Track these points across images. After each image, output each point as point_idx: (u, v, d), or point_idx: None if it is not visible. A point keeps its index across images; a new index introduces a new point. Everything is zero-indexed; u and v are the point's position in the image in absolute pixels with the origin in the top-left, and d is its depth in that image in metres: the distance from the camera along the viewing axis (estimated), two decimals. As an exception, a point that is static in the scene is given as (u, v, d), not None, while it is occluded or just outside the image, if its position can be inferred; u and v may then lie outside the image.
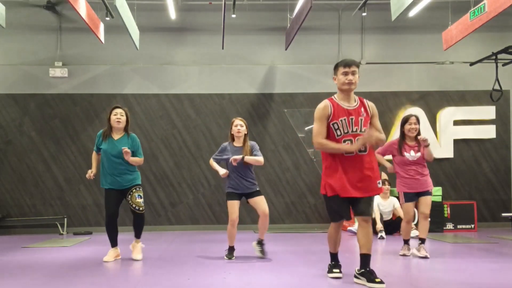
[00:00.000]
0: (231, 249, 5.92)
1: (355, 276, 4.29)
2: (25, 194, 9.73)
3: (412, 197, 5.87)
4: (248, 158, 5.73)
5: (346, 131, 4.20)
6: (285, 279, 4.47)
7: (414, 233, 8.15)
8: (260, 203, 5.91)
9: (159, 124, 9.97)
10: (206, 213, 9.91)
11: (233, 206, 5.83)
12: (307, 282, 4.35)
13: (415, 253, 5.86)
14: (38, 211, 9.70)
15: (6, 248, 7.08)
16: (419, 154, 5.89)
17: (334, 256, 4.58)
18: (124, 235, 8.78)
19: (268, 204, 9.78)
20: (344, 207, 4.30)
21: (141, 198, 5.73)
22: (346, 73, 4.21)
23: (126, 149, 5.50)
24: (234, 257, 5.85)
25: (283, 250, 6.53)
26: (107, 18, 9.01)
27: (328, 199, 4.34)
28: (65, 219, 9.61)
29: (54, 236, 8.95)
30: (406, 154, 5.84)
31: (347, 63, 4.23)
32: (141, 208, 5.72)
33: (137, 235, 5.86)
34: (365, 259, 4.20)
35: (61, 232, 9.38)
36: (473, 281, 4.28)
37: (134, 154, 5.70)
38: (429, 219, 6.02)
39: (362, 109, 4.27)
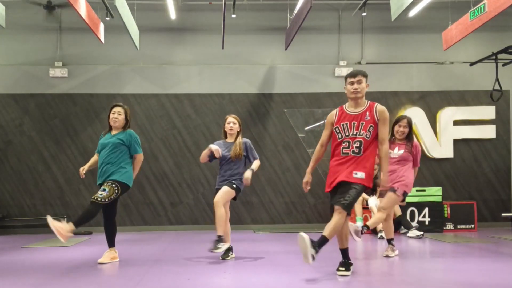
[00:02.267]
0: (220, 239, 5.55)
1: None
2: (25, 194, 9.73)
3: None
4: (253, 171, 5.68)
5: (346, 134, 4.55)
6: (285, 279, 4.46)
7: (409, 233, 8.17)
8: (220, 192, 5.60)
9: (159, 124, 9.97)
10: (206, 213, 9.91)
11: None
12: (307, 282, 4.35)
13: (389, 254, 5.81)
14: (38, 211, 9.69)
15: (6, 248, 7.08)
16: (401, 151, 5.82)
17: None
18: (125, 235, 8.79)
19: (268, 204, 9.98)
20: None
21: (104, 191, 5.26)
22: (352, 83, 4.59)
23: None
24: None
25: (283, 250, 6.53)
26: (107, 18, 9.01)
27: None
28: (65, 219, 9.60)
29: (54, 236, 8.90)
30: (390, 151, 5.76)
31: (352, 74, 4.67)
32: (94, 197, 5.24)
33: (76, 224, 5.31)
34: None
35: (61, 232, 9.36)
36: (473, 281, 4.28)
37: (129, 149, 5.52)
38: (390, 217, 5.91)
39: (367, 114, 4.54)
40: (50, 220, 5.04)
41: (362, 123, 4.51)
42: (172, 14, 9.48)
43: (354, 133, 4.51)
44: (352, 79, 4.57)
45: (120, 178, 5.39)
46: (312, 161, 4.77)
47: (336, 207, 4.37)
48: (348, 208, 4.38)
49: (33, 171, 9.76)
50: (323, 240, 4.30)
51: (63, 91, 9.91)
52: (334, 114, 4.68)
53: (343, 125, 4.56)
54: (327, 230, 4.34)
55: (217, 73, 10.11)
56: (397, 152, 5.84)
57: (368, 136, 4.48)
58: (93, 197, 5.27)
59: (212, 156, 5.76)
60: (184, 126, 10.00)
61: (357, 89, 4.53)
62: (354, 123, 4.52)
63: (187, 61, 10.16)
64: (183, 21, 10.08)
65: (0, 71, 9.88)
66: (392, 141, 5.91)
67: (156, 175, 9.84)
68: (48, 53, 9.98)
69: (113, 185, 5.33)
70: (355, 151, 4.48)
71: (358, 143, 4.47)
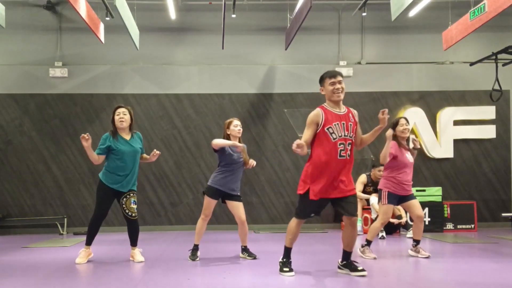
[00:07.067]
0: (196, 248, 5.78)
1: (338, 268, 4.74)
2: (25, 194, 9.73)
3: (394, 199, 5.78)
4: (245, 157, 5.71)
5: (340, 134, 4.44)
6: (284, 279, 4.47)
7: (408, 234, 8.18)
8: (238, 208, 5.71)
9: (159, 124, 9.97)
10: (206, 213, 9.88)
11: (211, 204, 5.68)
12: (306, 281, 4.35)
13: (413, 255, 5.82)
14: (38, 211, 9.70)
15: (6, 248, 7.08)
16: (412, 157, 5.92)
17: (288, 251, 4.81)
18: (125, 235, 8.78)
19: (268, 204, 9.99)
20: (317, 209, 4.57)
21: (135, 204, 5.61)
22: (333, 83, 4.48)
23: (156, 152, 5.72)
24: (198, 258, 5.70)
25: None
26: (107, 18, 9.00)
27: (305, 200, 4.52)
28: (65, 219, 9.62)
29: (54, 236, 8.96)
30: (407, 155, 5.81)
31: (333, 74, 4.51)
32: (133, 214, 5.59)
33: (134, 243, 5.75)
34: (347, 254, 4.67)
35: (61, 232, 9.38)
36: (473, 281, 4.28)
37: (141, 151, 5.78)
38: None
39: (351, 115, 4.56)
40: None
41: (350, 124, 4.48)
42: (172, 14, 9.48)
43: (346, 134, 4.44)
44: (334, 80, 4.46)
45: (135, 187, 5.72)
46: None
47: (353, 218, 4.50)
48: None
49: (33, 171, 9.76)
50: (349, 254, 4.64)
51: (63, 91, 9.91)
52: (319, 114, 4.44)
53: (335, 125, 4.42)
54: (350, 244, 4.61)
55: (217, 73, 10.11)
56: (410, 157, 5.85)
57: (353, 137, 4.53)
58: (132, 214, 5.60)
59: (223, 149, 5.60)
60: (184, 126, 10.00)
61: (339, 89, 4.45)
62: (343, 123, 4.44)
63: (187, 61, 10.16)
64: (183, 21, 10.08)
65: (0, 71, 9.89)
66: (402, 145, 5.83)
67: (156, 175, 9.84)
68: (48, 53, 9.98)
69: (135, 194, 5.68)
70: (349, 154, 4.47)
71: (351, 145, 4.48)
